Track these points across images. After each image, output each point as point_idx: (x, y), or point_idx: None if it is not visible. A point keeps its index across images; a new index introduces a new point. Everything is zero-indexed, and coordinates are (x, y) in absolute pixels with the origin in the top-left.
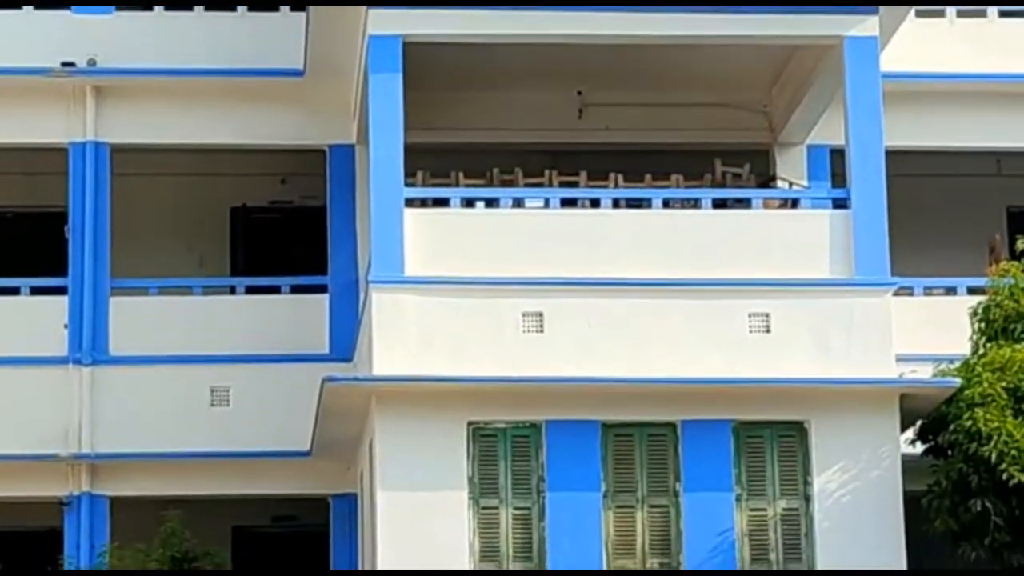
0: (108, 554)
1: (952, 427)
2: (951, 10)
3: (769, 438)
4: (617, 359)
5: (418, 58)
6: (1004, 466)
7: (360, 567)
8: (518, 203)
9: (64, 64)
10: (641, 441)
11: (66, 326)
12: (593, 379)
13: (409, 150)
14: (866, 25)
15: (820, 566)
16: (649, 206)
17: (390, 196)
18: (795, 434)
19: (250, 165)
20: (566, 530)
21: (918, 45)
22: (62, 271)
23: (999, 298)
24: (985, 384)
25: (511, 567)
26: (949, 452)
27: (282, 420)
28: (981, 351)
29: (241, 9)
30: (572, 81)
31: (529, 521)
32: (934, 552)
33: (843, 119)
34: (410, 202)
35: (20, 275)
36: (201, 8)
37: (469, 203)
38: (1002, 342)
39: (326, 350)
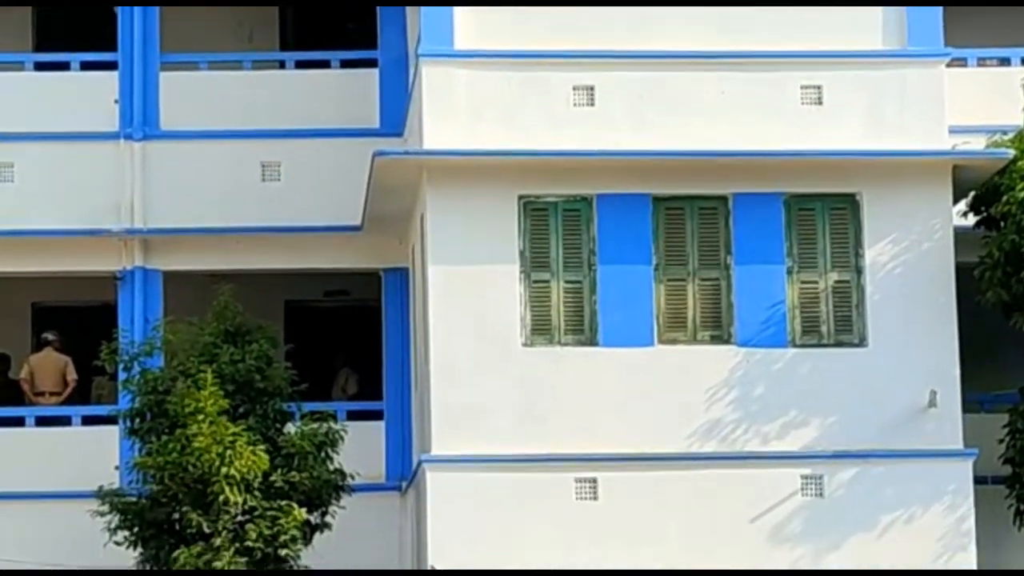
0: (162, 327)
1: (1005, 198)
2: None
3: (821, 210)
4: (668, 132)
5: None
6: None
7: (412, 341)
8: None
9: None
10: (692, 214)
11: (117, 101)
12: (644, 152)
13: None
14: None
15: (871, 339)
16: None
17: None
18: (847, 206)
19: None
20: (617, 303)
21: None
22: (112, 46)
23: None
24: None
25: (563, 340)
26: (1002, 223)
27: (333, 195)
28: None
29: None
30: None
31: (581, 294)
32: (986, 324)
33: None
34: None
35: (69, 50)
36: None
37: None
38: None
39: (376, 124)
